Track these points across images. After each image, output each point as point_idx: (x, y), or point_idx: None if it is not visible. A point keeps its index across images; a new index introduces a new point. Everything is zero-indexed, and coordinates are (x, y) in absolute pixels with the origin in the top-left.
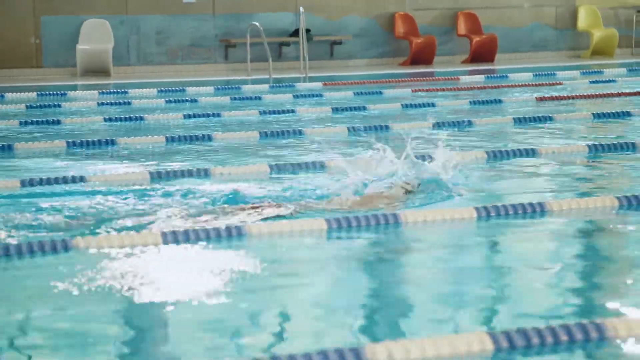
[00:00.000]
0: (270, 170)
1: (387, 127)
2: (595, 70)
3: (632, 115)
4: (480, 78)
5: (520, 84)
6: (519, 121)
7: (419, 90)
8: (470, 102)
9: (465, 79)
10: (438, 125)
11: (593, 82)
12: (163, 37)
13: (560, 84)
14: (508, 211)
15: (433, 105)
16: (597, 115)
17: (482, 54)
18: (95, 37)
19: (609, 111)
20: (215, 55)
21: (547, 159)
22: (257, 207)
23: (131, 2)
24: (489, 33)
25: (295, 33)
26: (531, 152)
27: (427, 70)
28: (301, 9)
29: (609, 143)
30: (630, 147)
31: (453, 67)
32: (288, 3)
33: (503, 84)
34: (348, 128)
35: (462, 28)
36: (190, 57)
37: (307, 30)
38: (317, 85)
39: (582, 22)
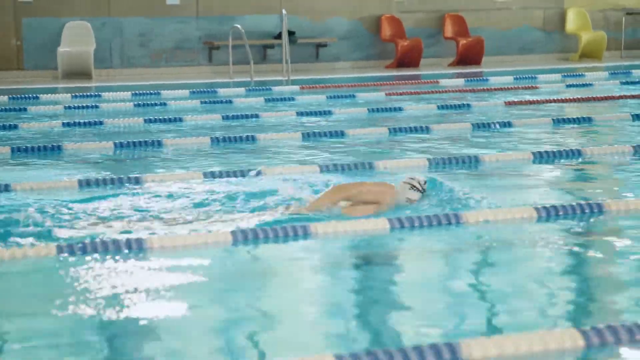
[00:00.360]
0: (203, 178)
1: (342, 133)
2: (576, 74)
3: (592, 122)
4: (460, 81)
5: (496, 87)
6: (478, 127)
7: (393, 94)
8: (438, 107)
9: (445, 82)
10: (395, 131)
11: (570, 85)
12: (146, 40)
13: (536, 87)
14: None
15: (400, 109)
16: (558, 121)
17: (469, 57)
18: (77, 39)
19: (573, 117)
20: (199, 58)
21: (488, 167)
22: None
23: (113, 4)
24: (476, 36)
25: (280, 35)
26: (474, 160)
27: (408, 73)
28: (284, 12)
29: (555, 150)
30: (575, 154)
31: (439, 70)
32: (272, 5)
33: (482, 88)
34: (303, 134)
35: (449, 30)
36: (173, 60)
37: (292, 33)
38: (294, 88)
39: (571, 25)
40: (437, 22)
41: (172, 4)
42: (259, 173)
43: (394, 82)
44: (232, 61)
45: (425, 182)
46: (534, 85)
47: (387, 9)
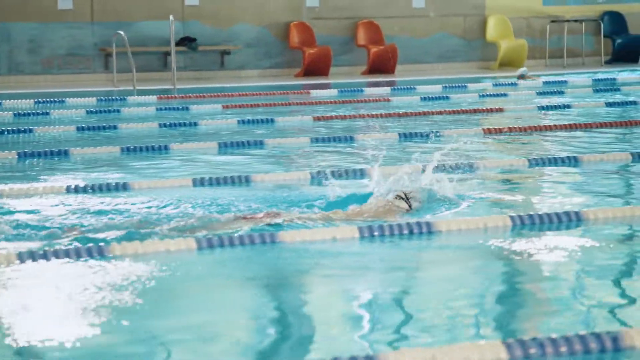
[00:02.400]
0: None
1: (166, 147)
2: (459, 85)
3: (425, 137)
4: (334, 92)
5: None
6: (316, 140)
7: (229, 107)
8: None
9: (316, 93)
10: (225, 146)
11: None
12: (36, 46)
13: (388, 100)
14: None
15: (195, 125)
16: (405, 136)
17: (381, 65)
18: None
19: (416, 131)
20: (94, 65)
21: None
22: (249, 217)
23: (0, 8)
24: (390, 43)
25: (181, 42)
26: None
27: (290, 84)
28: (171, 18)
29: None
30: (361, 173)
31: (348, 79)
32: (173, 11)
33: (359, 99)
34: (122, 148)
35: (361, 38)
36: (67, 67)
37: (193, 40)
38: (150, 99)
39: (492, 33)
40: (351, 30)
41: (65, 8)
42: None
43: (260, 93)
44: (131, 68)
45: (410, 192)
46: (387, 98)
47: (297, 15)
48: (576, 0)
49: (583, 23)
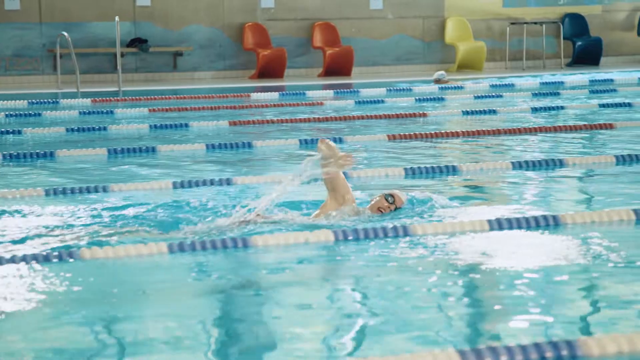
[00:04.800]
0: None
1: (52, 154)
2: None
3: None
4: (274, 95)
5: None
6: (212, 147)
7: (155, 111)
8: (152, 127)
9: (256, 96)
10: (115, 152)
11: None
12: None
13: (316, 104)
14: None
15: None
16: (305, 142)
17: (338, 67)
18: None
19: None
20: (42, 66)
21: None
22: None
23: None
24: (346, 45)
25: (132, 43)
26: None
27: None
28: (117, 18)
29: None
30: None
31: (304, 81)
32: (124, 12)
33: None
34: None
35: (317, 40)
36: (14, 68)
37: (144, 41)
38: (85, 102)
39: (450, 35)
40: (307, 31)
41: (12, 9)
42: None
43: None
44: (81, 70)
45: (391, 196)
46: (302, 102)
47: (252, 16)
48: (537, 2)
49: (543, 25)
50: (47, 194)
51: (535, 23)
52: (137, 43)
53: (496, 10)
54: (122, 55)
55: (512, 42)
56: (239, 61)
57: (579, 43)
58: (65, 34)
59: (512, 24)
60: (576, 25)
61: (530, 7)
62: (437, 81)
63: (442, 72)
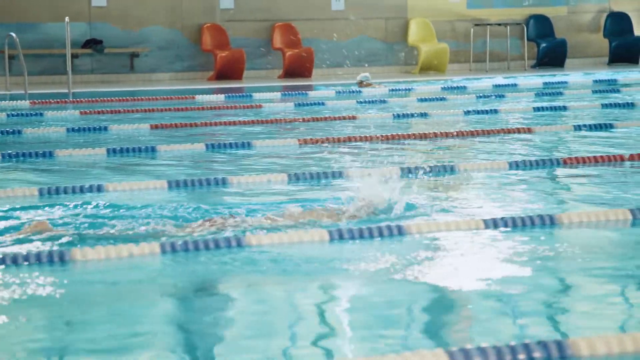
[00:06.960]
0: None
1: None
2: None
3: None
4: (220, 97)
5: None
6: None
7: (87, 113)
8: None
9: (201, 98)
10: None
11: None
12: None
13: (260, 106)
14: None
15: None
16: (213, 146)
17: (297, 69)
18: None
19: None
20: None
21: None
22: (210, 221)
23: None
24: (306, 47)
25: (87, 44)
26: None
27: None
28: (67, 19)
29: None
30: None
31: (263, 83)
32: (79, 12)
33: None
34: None
35: (277, 41)
36: None
37: (99, 42)
38: (23, 103)
39: (413, 36)
40: (267, 32)
41: None
42: None
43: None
44: (37, 71)
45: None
46: (258, 105)
47: (211, 17)
48: (501, 3)
49: (508, 27)
50: None
51: (500, 24)
52: (92, 44)
53: (460, 12)
54: (77, 56)
55: (477, 44)
56: (197, 62)
57: (544, 44)
58: (14, 34)
59: (477, 25)
60: (541, 26)
61: (495, 8)
62: (360, 83)
63: (367, 74)
